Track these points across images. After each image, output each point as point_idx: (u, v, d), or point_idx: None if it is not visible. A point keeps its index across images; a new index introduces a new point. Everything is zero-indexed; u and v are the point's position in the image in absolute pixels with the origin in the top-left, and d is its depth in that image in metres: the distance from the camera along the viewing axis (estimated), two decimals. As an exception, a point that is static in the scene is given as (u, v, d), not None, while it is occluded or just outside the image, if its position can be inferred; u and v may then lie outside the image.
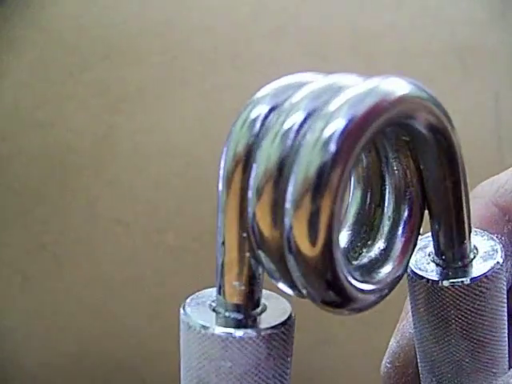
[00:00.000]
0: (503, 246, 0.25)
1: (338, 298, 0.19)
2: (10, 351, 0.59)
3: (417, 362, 0.25)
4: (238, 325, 0.20)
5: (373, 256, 0.21)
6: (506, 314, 0.23)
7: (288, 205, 0.18)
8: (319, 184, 0.17)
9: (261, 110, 0.19)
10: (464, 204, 0.21)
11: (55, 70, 0.66)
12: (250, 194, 0.19)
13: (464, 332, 0.23)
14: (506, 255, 0.24)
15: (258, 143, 0.19)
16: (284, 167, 0.18)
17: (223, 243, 0.20)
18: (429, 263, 0.23)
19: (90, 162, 0.62)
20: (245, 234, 0.19)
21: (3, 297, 0.59)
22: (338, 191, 0.17)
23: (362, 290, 0.20)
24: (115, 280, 0.60)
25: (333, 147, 0.17)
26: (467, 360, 0.23)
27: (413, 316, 0.24)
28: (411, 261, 0.22)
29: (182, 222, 0.62)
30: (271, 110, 0.19)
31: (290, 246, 0.18)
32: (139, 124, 0.64)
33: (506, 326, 0.24)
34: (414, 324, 0.24)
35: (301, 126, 0.18)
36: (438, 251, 0.22)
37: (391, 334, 0.27)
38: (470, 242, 0.22)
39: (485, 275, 0.22)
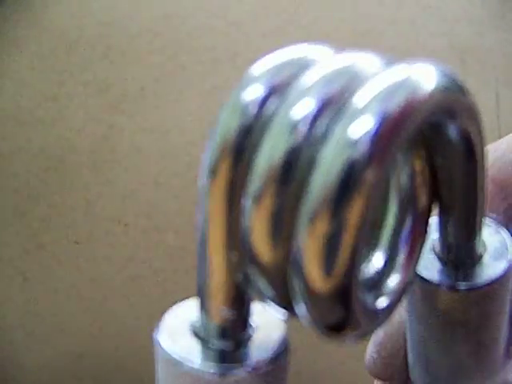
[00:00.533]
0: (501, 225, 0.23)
1: (349, 323, 0.15)
2: (10, 351, 0.59)
3: (405, 353, 0.23)
4: (227, 357, 0.16)
5: (378, 267, 0.18)
6: (508, 310, 0.22)
7: (300, 219, 0.14)
8: (344, 196, 0.13)
9: (257, 91, 0.15)
10: (479, 197, 0.18)
11: (55, 69, 0.66)
12: (246, 201, 0.15)
13: (468, 335, 0.21)
14: None
15: (254, 134, 0.15)
16: (294, 169, 0.14)
17: (206, 262, 0.16)
18: (434, 261, 0.20)
19: (89, 161, 0.62)
20: (235, 254, 0.15)
21: (3, 297, 0.59)
22: (368, 206, 0.13)
23: (373, 310, 0.17)
24: (115, 280, 0.60)
25: (364, 150, 0.13)
26: (467, 361, 0.22)
27: (409, 315, 0.22)
28: None
29: (181, 222, 0.62)
30: (270, 92, 0.15)
31: (297, 271, 0.14)
32: (139, 124, 0.64)
33: (507, 322, 0.22)
34: (410, 323, 0.22)
35: (315, 118, 0.14)
36: (445, 248, 0.20)
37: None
38: (480, 238, 0.20)
39: (496, 279, 0.20)
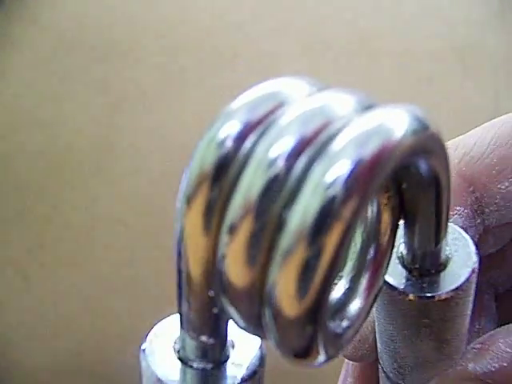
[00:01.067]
0: (465, 218, 0.24)
1: (314, 352, 0.16)
2: (10, 351, 0.59)
3: (374, 337, 0.25)
4: (206, 377, 0.18)
5: (339, 295, 0.19)
6: (472, 306, 0.23)
7: (277, 249, 0.15)
8: (323, 229, 0.14)
9: (235, 126, 0.16)
10: (443, 213, 0.19)
11: (55, 69, 0.66)
12: (222, 233, 0.15)
13: (432, 335, 0.22)
14: (469, 226, 0.24)
15: (231, 168, 0.15)
16: (271, 204, 0.15)
17: (184, 295, 0.17)
18: (401, 269, 0.21)
19: (89, 161, 0.62)
20: (211, 293, 0.16)
21: (3, 297, 0.59)
22: (343, 240, 0.15)
23: (337, 334, 0.17)
24: (115, 280, 0.60)
25: (342, 190, 0.14)
26: (431, 355, 0.23)
27: (377, 313, 0.23)
28: None
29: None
30: (248, 127, 0.16)
31: (270, 296, 0.15)
32: (139, 124, 0.64)
33: (469, 319, 0.23)
34: (378, 319, 0.23)
35: (292, 156, 0.15)
36: (411, 257, 0.21)
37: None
38: (444, 248, 0.21)
39: (460, 288, 0.21)
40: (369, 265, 0.19)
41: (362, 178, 0.14)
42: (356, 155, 0.15)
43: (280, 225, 0.15)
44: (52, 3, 0.68)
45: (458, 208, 0.24)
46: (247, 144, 0.16)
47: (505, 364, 0.23)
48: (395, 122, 0.16)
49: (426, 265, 0.21)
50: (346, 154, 0.15)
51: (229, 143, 0.16)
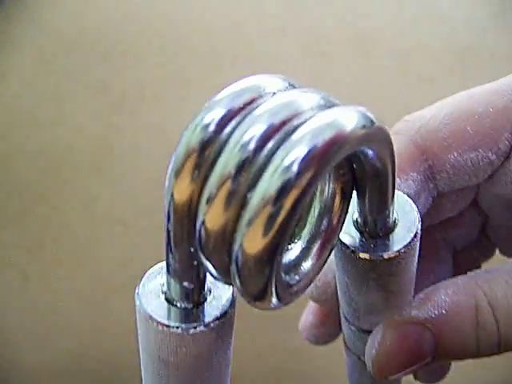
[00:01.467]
0: (418, 183, 0.28)
1: (268, 295, 0.20)
2: (10, 351, 0.59)
3: (335, 283, 0.28)
4: (190, 317, 0.22)
5: (295, 254, 0.23)
6: (416, 263, 0.26)
7: (245, 211, 0.19)
8: (280, 195, 0.19)
9: (216, 113, 0.20)
10: (389, 185, 0.23)
11: (55, 69, 0.66)
12: (203, 198, 0.20)
13: (380, 287, 0.26)
14: (422, 190, 0.28)
15: (211, 147, 0.20)
16: (242, 176, 0.19)
17: (170, 250, 0.21)
18: (355, 231, 0.25)
19: (89, 161, 0.62)
20: (192, 249, 0.20)
21: (3, 296, 0.59)
22: (297, 204, 0.19)
23: (290, 284, 0.22)
24: (115, 280, 0.60)
25: (297, 168, 0.19)
26: (380, 303, 0.27)
27: (336, 264, 0.27)
28: None
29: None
30: (227, 116, 0.20)
31: (237, 247, 0.19)
32: (139, 124, 0.64)
33: (415, 270, 0.27)
34: (337, 269, 0.27)
35: (260, 140, 0.19)
36: (363, 221, 0.25)
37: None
38: (392, 213, 0.25)
39: (402, 249, 0.25)
40: (323, 230, 0.23)
41: (314, 160, 0.19)
42: (311, 143, 0.19)
43: (250, 192, 0.19)
44: (52, 3, 0.68)
45: (412, 174, 0.28)
46: (227, 129, 0.20)
47: (443, 311, 0.26)
48: (347, 118, 0.20)
49: (376, 228, 0.25)
50: (305, 140, 0.19)
51: (211, 127, 0.20)
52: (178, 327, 0.22)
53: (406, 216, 0.25)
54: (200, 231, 0.20)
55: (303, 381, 0.60)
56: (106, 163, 0.62)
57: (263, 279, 0.19)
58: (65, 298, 0.59)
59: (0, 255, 0.60)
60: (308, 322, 0.33)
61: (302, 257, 0.23)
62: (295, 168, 0.19)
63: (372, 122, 0.21)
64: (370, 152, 0.22)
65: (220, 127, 0.20)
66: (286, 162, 0.19)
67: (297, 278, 0.22)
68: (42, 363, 0.58)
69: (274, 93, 0.21)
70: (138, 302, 0.23)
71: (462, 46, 0.65)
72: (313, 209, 0.24)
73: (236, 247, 0.19)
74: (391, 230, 0.25)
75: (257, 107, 0.20)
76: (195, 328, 0.22)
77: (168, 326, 0.22)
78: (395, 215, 0.25)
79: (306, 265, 0.23)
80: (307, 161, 0.19)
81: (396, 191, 0.24)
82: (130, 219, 0.62)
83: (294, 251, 0.23)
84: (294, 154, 0.19)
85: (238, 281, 0.20)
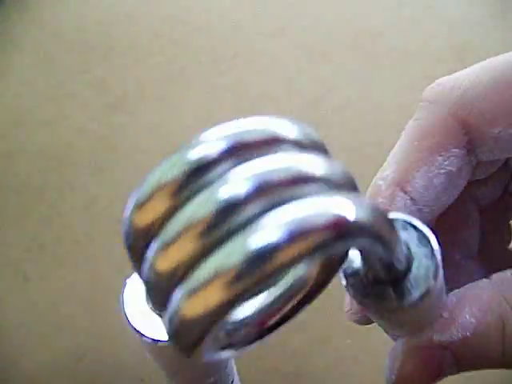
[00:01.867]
0: (461, 159, 0.26)
1: (198, 353, 0.18)
2: (10, 351, 0.59)
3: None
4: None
5: (237, 320, 0.20)
6: (444, 289, 0.24)
7: (190, 277, 0.17)
8: (243, 274, 0.16)
9: (202, 151, 0.18)
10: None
11: (55, 69, 0.66)
12: (159, 238, 0.18)
13: (411, 326, 0.24)
14: (464, 165, 0.26)
15: (182, 192, 0.18)
16: (207, 234, 0.17)
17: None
18: (361, 284, 0.22)
19: (89, 161, 0.62)
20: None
21: (3, 297, 0.59)
22: (235, 299, 0.17)
23: (220, 349, 0.19)
24: (115, 280, 0.60)
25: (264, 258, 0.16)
26: (411, 334, 0.25)
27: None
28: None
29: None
30: (214, 157, 0.18)
31: (174, 305, 0.17)
32: (139, 124, 0.64)
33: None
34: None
35: (236, 206, 0.17)
36: (370, 275, 0.22)
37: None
38: (402, 255, 0.21)
39: (421, 297, 0.21)
40: (271, 309, 0.20)
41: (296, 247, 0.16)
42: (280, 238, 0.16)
43: (207, 254, 0.17)
44: (52, 3, 0.68)
45: (453, 150, 0.26)
46: (208, 175, 0.17)
47: (468, 333, 0.24)
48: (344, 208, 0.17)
49: (389, 275, 0.21)
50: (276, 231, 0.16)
51: (192, 166, 0.17)
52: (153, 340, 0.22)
53: (419, 252, 0.22)
54: (146, 268, 0.18)
55: (303, 382, 0.60)
56: (106, 163, 0.62)
57: (196, 341, 0.17)
58: (65, 298, 0.59)
59: (0, 255, 0.60)
60: (349, 307, 0.30)
61: (254, 313, 0.20)
62: (268, 253, 0.16)
63: (377, 212, 0.18)
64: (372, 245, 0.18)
65: (201, 171, 0.17)
66: (261, 241, 0.16)
67: (227, 342, 0.20)
68: (42, 363, 0.58)
69: (283, 143, 0.17)
70: (125, 314, 0.23)
71: (462, 46, 0.65)
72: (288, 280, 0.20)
73: (174, 303, 0.17)
74: (405, 273, 0.21)
75: (250, 159, 0.17)
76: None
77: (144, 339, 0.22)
78: (406, 249, 0.22)
79: (240, 335, 0.20)
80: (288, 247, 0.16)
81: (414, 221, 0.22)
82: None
83: (239, 313, 0.20)
84: (272, 235, 0.16)
85: (169, 330, 0.18)
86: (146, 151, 0.63)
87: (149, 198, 0.18)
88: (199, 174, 0.17)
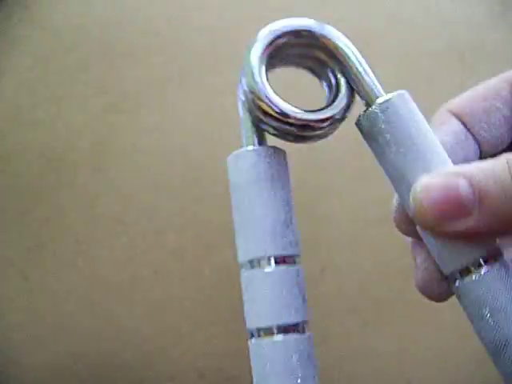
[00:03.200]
0: (459, 126, 0.32)
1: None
2: (10, 351, 0.59)
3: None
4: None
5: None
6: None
7: None
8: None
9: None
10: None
11: (55, 69, 0.66)
12: None
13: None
14: (465, 133, 0.32)
15: None
16: None
17: None
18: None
19: (89, 161, 0.62)
20: None
21: (3, 297, 0.59)
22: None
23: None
24: (115, 280, 0.60)
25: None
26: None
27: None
28: None
29: (181, 222, 0.62)
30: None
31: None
32: (139, 124, 0.64)
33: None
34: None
35: None
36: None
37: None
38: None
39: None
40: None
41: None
42: None
43: None
44: (52, 3, 0.68)
45: (451, 121, 0.32)
46: None
47: (478, 165, 0.27)
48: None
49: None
50: None
51: None
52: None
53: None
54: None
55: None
56: (106, 163, 0.62)
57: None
58: (65, 298, 0.59)
59: (0, 255, 0.60)
60: (419, 276, 0.31)
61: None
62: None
63: None
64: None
65: None
66: None
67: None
68: (42, 363, 0.58)
69: None
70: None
71: (462, 46, 0.65)
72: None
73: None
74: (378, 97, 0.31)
75: None
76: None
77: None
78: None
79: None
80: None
81: None
82: (130, 219, 0.62)
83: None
84: None
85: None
86: (146, 151, 0.63)
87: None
88: None
